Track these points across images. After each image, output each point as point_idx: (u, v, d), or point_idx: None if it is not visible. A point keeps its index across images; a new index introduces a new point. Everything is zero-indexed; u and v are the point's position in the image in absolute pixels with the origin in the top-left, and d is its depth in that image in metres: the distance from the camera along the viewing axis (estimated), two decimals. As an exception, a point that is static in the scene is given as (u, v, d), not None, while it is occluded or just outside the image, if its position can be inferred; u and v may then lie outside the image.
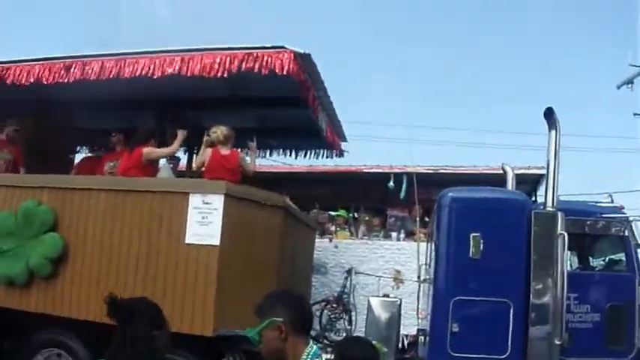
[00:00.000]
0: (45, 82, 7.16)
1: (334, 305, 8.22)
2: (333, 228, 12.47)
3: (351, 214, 12.22)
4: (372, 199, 12.82)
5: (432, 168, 12.94)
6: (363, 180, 12.43)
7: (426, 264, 7.76)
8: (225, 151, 6.80)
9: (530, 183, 11.97)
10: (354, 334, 7.33)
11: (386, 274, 10.91)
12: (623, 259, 7.06)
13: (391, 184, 11.46)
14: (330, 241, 11.85)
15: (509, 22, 52.71)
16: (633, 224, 7.01)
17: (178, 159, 9.20)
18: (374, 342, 6.12)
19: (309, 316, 3.02)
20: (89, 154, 9.51)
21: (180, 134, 7.28)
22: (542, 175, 10.51)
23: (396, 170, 12.64)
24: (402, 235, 11.44)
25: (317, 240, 11.45)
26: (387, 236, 11.76)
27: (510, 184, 7.89)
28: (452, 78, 52.38)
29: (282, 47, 6.50)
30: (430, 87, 53.78)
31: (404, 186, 11.41)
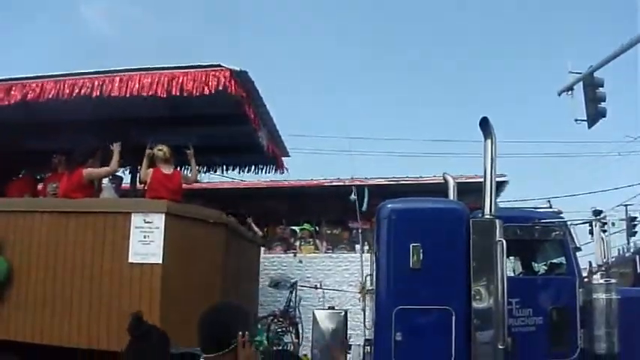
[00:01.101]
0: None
1: (280, 319, 8.48)
2: (297, 243, 12.72)
3: (313, 228, 12.37)
4: (334, 213, 13.13)
5: (393, 179, 13.35)
6: (325, 193, 12.62)
7: (370, 274, 8.02)
8: (167, 170, 7.19)
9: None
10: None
11: (352, 286, 11.20)
12: (564, 262, 7.27)
13: (353, 196, 11.78)
14: (295, 255, 12.44)
15: (451, 25, 53.68)
16: (571, 228, 7.30)
17: (121, 178, 9.59)
18: (300, 355, 6.48)
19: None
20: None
21: (116, 148, 7.72)
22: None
23: (357, 183, 13.06)
24: (367, 247, 11.70)
25: (282, 255, 11.87)
26: (352, 249, 12.02)
27: (452, 193, 8.20)
28: (392, 87, 53.33)
29: (219, 65, 6.91)
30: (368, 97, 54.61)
31: (365, 198, 11.82)
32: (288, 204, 13.27)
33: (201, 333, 3.35)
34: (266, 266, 11.94)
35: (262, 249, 12.23)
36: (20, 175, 9.85)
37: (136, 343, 3.70)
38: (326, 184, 13.53)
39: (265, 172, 10.24)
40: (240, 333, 3.15)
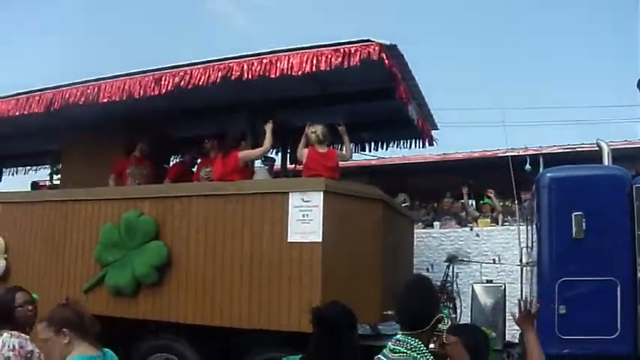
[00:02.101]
0: (137, 97, 7.75)
1: (439, 294, 8.56)
2: (475, 215, 13.17)
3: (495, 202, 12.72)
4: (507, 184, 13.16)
5: (568, 147, 13.23)
6: (496, 165, 12.57)
7: (527, 247, 8.00)
8: (322, 149, 7.33)
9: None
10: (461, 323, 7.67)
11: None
12: None
13: (528, 166, 11.70)
14: (471, 229, 12.52)
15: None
16: None
17: (273, 160, 9.99)
18: (482, 328, 6.54)
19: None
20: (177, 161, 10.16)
21: (268, 128, 8.10)
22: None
23: (531, 152, 13.42)
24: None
25: (459, 230, 12.70)
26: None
27: (606, 159, 8.07)
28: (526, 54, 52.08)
29: (369, 40, 7.12)
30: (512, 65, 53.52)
31: (541, 168, 11.90)
32: (458, 177, 13.28)
33: (402, 306, 3.40)
34: (442, 241, 12.47)
35: (436, 223, 12.92)
36: (173, 163, 10.35)
37: (323, 336, 3.68)
38: (500, 154, 13.36)
39: (415, 147, 10.27)
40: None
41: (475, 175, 13.40)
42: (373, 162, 14.99)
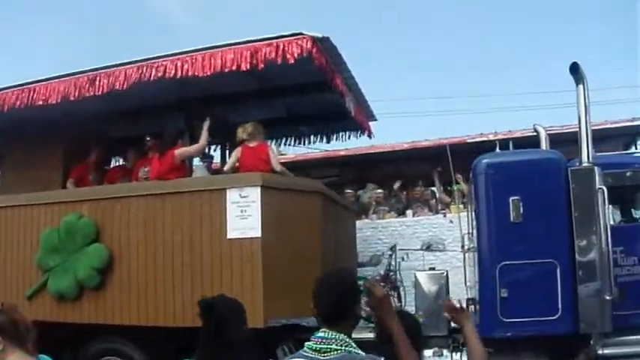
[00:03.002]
0: (72, 98, 7.58)
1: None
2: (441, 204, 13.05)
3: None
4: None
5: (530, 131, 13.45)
6: (466, 151, 12.40)
7: (468, 233, 8.04)
8: (253, 144, 7.27)
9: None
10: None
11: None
12: (667, 206, 7.22)
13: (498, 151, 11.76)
14: (444, 216, 12.41)
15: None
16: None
17: (211, 157, 9.83)
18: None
19: None
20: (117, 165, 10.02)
21: (205, 125, 8.09)
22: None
23: (501, 137, 13.45)
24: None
25: (432, 217, 12.55)
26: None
27: (544, 144, 8.15)
28: (466, 44, 52.60)
29: (300, 33, 7.12)
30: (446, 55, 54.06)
31: None
32: (429, 164, 13.17)
33: (323, 301, 3.29)
34: (416, 229, 12.34)
35: (409, 212, 12.73)
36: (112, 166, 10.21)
37: (217, 328, 3.64)
38: (468, 140, 13.65)
39: (353, 138, 10.27)
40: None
41: (444, 162, 13.36)
42: (342, 152, 14.87)
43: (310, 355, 3.19)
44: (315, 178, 15.08)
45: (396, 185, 13.30)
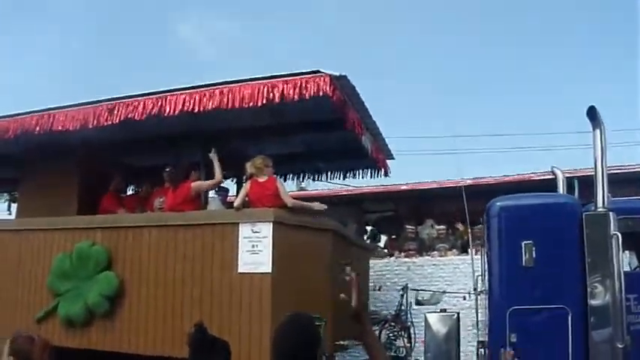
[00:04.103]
0: (90, 126, 7.58)
1: (392, 324, 8.50)
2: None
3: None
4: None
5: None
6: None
7: (481, 275, 7.94)
8: (262, 178, 7.25)
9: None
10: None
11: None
12: (682, 254, 7.08)
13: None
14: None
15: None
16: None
17: (226, 190, 9.77)
18: None
19: None
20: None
21: (214, 158, 8.06)
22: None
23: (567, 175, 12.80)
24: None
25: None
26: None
27: (561, 187, 8.06)
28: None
29: (318, 71, 7.17)
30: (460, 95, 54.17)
31: (576, 191, 11.81)
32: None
33: (284, 350, 3.19)
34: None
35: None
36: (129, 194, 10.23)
37: (198, 357, 3.70)
38: (533, 177, 13.34)
39: (370, 177, 10.21)
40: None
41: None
42: (402, 187, 14.74)
43: None
44: (371, 212, 15.26)
45: (459, 225, 13.01)
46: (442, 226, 13.09)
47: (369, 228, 15.38)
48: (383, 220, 15.01)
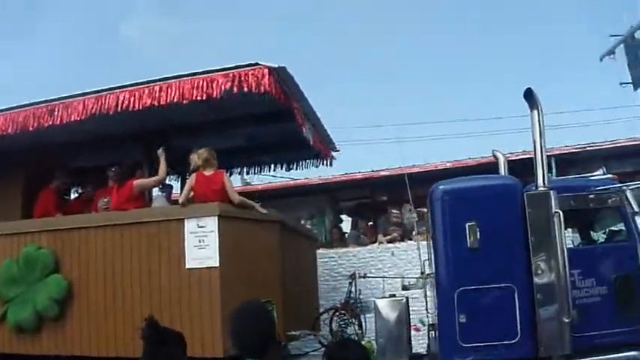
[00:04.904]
0: (31, 128, 7.44)
1: (342, 312, 8.52)
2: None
3: None
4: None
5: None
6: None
7: (428, 259, 7.99)
8: (208, 172, 7.17)
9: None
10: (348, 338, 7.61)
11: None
12: (624, 228, 7.19)
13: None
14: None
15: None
16: (628, 192, 7.13)
17: (171, 187, 9.70)
18: (363, 342, 6.46)
19: None
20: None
21: (161, 155, 8.02)
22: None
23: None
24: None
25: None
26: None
27: (503, 169, 8.15)
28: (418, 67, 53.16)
29: (257, 64, 6.99)
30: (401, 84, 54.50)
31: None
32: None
33: (246, 336, 3.21)
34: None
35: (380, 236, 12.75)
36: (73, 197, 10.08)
37: (153, 350, 3.69)
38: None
39: (315, 167, 10.24)
40: None
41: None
42: (374, 174, 14.68)
43: None
44: (346, 200, 15.12)
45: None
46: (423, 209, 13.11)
47: (343, 217, 15.35)
48: (359, 207, 14.94)
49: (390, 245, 12.47)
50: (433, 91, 54.12)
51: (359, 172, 14.94)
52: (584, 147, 13.83)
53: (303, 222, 14.59)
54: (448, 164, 14.27)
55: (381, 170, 14.60)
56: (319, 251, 12.60)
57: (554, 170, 12.24)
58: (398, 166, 13.40)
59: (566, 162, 12.87)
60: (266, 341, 3.22)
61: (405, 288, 10.25)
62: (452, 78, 54.71)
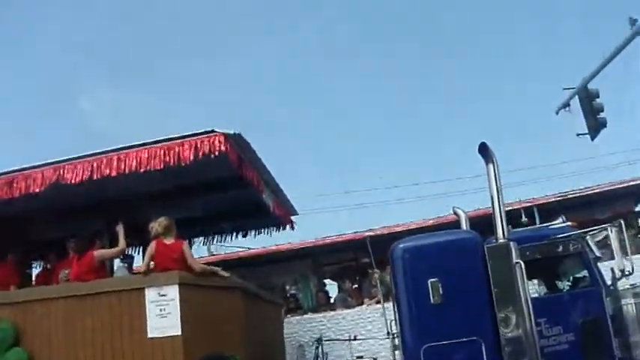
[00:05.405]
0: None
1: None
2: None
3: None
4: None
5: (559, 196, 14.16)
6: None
7: (394, 319, 7.94)
8: (168, 240, 7.11)
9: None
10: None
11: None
12: (587, 274, 7.19)
13: (524, 219, 12.19)
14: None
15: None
16: (588, 239, 7.16)
17: (132, 257, 9.60)
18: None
19: None
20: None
21: (119, 229, 7.96)
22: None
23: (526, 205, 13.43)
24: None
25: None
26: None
27: (464, 225, 8.14)
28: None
29: (212, 131, 6.98)
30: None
31: (537, 220, 12.29)
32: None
33: None
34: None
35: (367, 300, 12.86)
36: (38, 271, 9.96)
37: None
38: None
39: (276, 232, 10.24)
40: None
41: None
42: (365, 234, 14.47)
43: None
44: (330, 264, 15.05)
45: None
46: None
47: (327, 281, 15.34)
48: (343, 271, 14.95)
49: (379, 305, 12.41)
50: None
51: (342, 234, 14.94)
52: (566, 194, 14.11)
53: (288, 287, 14.70)
54: (413, 225, 14.19)
55: (366, 232, 14.56)
56: (306, 316, 12.67)
57: (537, 220, 12.35)
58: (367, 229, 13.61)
59: (547, 212, 12.93)
60: None
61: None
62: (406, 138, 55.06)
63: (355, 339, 10.51)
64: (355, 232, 14.61)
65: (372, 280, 13.49)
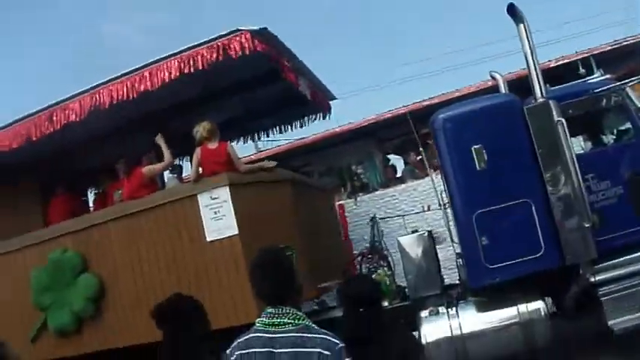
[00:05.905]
0: (34, 138, 7.60)
1: (369, 256, 8.52)
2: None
3: None
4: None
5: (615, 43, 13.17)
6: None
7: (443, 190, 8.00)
8: (212, 145, 7.16)
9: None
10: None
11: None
12: (630, 126, 7.10)
13: (582, 70, 11.90)
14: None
15: None
16: (629, 90, 7.06)
17: (180, 167, 9.65)
18: (374, 275, 6.41)
19: None
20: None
21: (160, 141, 8.01)
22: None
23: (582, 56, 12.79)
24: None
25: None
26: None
27: (503, 89, 8.09)
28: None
29: (237, 30, 7.00)
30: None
31: (594, 70, 11.86)
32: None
33: (267, 282, 3.19)
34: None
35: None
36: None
37: (171, 332, 3.70)
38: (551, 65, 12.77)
39: (317, 120, 10.14)
40: None
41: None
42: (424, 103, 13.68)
43: (266, 330, 3.07)
44: (391, 139, 14.65)
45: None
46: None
47: (391, 156, 15.01)
48: (405, 144, 14.74)
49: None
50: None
51: (401, 107, 14.13)
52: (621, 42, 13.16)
53: (354, 168, 14.64)
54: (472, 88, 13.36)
55: (424, 100, 13.86)
56: (378, 192, 12.55)
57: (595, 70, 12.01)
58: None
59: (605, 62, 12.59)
60: (284, 287, 3.19)
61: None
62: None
63: (429, 209, 10.46)
64: (412, 103, 14.01)
65: (433, 150, 13.33)
